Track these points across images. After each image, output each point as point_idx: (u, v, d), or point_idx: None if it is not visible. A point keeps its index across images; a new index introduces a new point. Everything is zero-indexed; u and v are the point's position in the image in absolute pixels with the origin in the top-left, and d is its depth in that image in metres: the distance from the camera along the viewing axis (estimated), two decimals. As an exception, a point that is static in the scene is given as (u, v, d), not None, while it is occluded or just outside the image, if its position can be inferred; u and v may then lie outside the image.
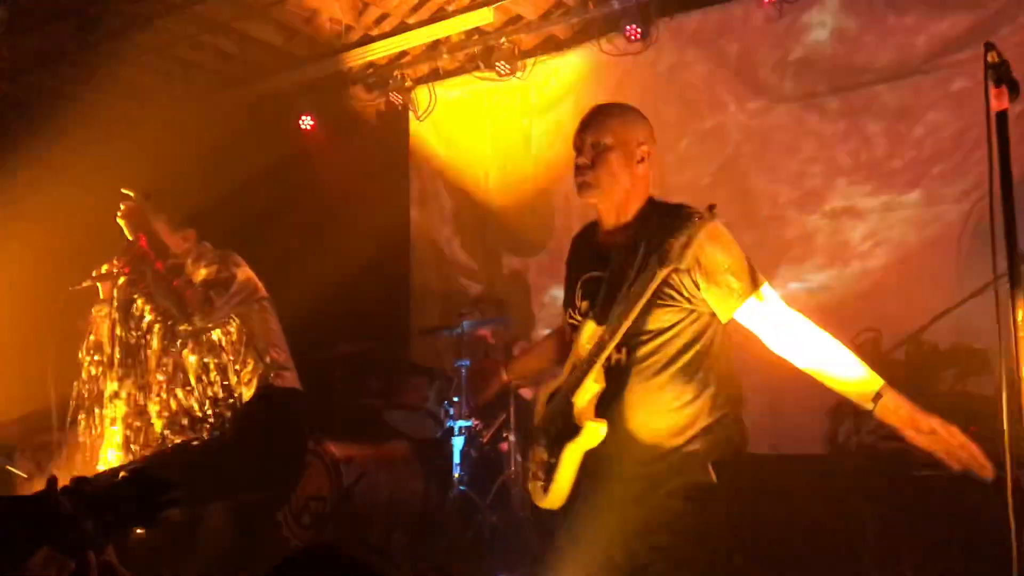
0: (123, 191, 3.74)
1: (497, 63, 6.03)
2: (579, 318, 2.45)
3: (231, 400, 3.62)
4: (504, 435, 5.32)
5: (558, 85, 6.22)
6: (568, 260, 2.68)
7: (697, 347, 2.35)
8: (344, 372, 5.60)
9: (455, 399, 5.31)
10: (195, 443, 3.57)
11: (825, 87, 5.17)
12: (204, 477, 3.36)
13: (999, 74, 1.88)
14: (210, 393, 3.63)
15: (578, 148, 2.47)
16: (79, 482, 1.62)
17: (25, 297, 4.83)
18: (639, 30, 5.55)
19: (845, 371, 2.21)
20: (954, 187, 4.74)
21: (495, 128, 6.54)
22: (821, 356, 2.25)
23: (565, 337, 2.61)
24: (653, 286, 2.24)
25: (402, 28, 5.89)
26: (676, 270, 2.23)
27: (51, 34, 5.48)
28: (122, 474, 1.62)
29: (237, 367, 3.64)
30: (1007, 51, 1.93)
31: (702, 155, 5.56)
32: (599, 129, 2.45)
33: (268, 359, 3.65)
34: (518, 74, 6.15)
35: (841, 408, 3.44)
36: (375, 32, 5.97)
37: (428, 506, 5.20)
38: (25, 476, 4.18)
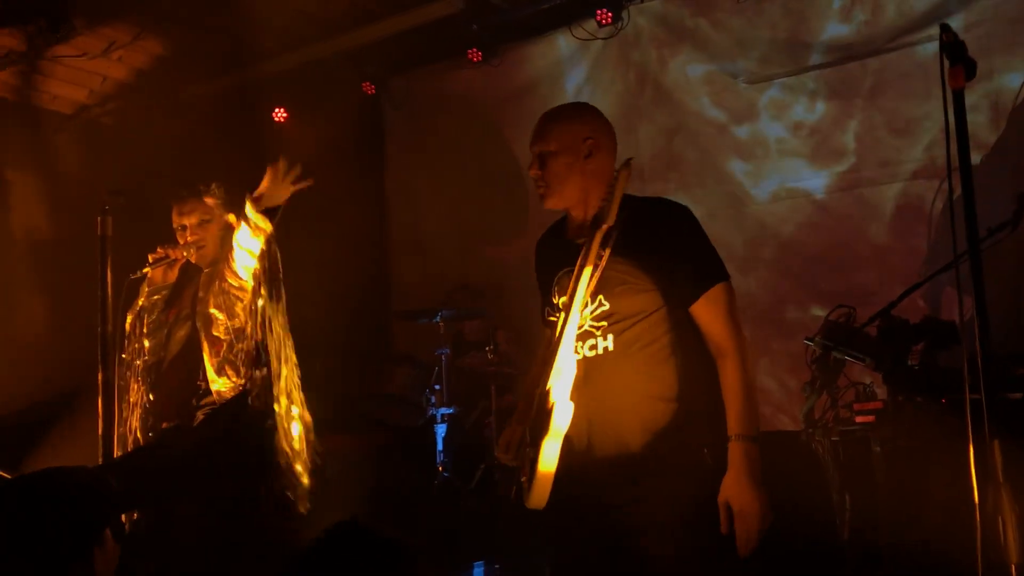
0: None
1: (469, 51, 6.02)
2: (557, 314, 2.41)
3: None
4: (486, 421, 5.35)
5: (531, 71, 6.23)
6: (537, 265, 2.66)
7: (676, 332, 2.32)
8: (323, 361, 5.58)
9: (436, 386, 5.33)
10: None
11: (796, 66, 5.20)
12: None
13: (955, 53, 1.90)
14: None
15: (531, 162, 2.49)
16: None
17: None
18: (610, 14, 5.57)
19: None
20: (928, 163, 4.80)
21: (469, 116, 6.53)
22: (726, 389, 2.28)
23: None
24: (602, 266, 2.29)
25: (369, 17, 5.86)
26: (636, 253, 2.28)
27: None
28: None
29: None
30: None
31: (687, 136, 5.60)
32: (541, 138, 2.46)
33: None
34: (491, 61, 6.15)
35: (815, 383, 3.48)
36: (342, 22, 5.92)
37: (411, 493, 5.22)
38: None
